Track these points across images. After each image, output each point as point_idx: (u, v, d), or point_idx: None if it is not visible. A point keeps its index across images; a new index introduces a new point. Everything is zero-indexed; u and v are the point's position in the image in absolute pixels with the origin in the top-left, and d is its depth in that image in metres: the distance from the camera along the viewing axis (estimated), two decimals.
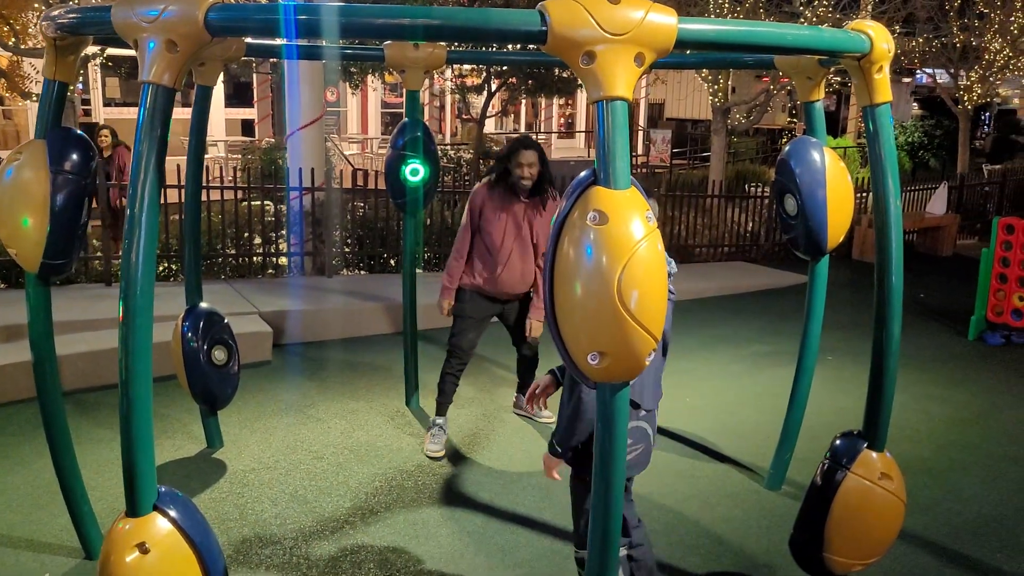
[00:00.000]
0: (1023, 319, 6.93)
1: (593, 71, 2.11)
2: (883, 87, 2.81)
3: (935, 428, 5.13)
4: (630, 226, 2.07)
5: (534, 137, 21.92)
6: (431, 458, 4.51)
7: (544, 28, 2.08)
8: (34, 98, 7.84)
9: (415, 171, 4.76)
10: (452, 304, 4.58)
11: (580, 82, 2.18)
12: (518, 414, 5.16)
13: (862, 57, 2.71)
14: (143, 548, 2.33)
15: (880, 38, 2.71)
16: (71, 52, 3.02)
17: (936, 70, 19.09)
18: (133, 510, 2.38)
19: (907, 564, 3.58)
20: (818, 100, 3.80)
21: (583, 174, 2.19)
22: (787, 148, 3.77)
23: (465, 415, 5.11)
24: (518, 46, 6.63)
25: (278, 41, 4.43)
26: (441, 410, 4.68)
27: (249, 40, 3.93)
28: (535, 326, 4.58)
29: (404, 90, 4.88)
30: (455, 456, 4.56)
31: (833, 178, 3.67)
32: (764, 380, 5.97)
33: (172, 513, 2.42)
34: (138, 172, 2.27)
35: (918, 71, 21.39)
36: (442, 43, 4.51)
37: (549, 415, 4.93)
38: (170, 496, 2.46)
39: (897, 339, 2.92)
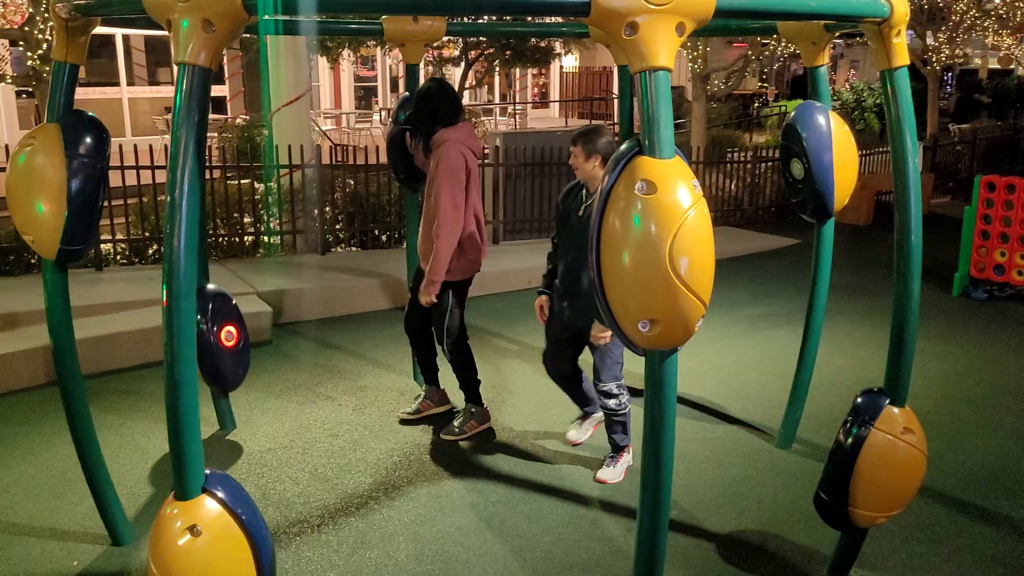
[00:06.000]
0: (1005, 275, 7.10)
1: (636, 42, 2.12)
2: (901, 51, 2.86)
3: (931, 383, 5.26)
4: (678, 194, 2.10)
5: (508, 108, 21.39)
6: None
7: (587, 0, 2.09)
8: (8, 80, 7.63)
9: None
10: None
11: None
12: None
13: (883, 21, 2.74)
14: (195, 531, 2.35)
15: (900, 2, 2.74)
16: (82, 33, 2.97)
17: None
18: (183, 493, 2.38)
19: (920, 515, 3.69)
20: (823, 65, 3.85)
21: (625, 145, 2.21)
22: (793, 113, 3.82)
23: None
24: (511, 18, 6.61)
25: (289, 17, 4.32)
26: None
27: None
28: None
29: (403, 65, 4.85)
30: None
31: (839, 141, 3.74)
32: (762, 342, 6.07)
33: (220, 494, 2.43)
34: (177, 157, 2.25)
35: None
36: (442, 16, 4.47)
37: None
38: (218, 478, 2.46)
39: (917, 296, 3.00)
